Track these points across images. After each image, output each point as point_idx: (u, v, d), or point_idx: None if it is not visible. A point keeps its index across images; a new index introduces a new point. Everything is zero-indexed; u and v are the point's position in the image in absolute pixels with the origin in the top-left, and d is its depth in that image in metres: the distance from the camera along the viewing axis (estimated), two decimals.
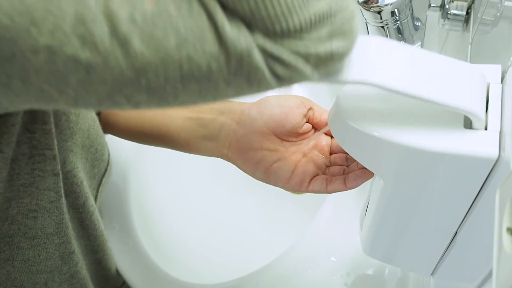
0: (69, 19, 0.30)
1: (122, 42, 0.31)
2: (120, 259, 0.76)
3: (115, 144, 0.70)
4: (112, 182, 0.81)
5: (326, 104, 0.56)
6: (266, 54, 0.32)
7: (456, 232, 0.44)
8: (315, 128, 0.57)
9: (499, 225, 0.28)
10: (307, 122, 0.56)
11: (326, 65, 0.34)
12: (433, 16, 0.67)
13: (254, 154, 0.55)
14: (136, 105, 0.34)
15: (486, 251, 0.41)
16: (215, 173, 0.92)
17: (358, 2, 0.62)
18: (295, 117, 0.55)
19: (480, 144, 0.36)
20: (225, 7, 0.31)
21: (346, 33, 0.34)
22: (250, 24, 0.32)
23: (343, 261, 0.66)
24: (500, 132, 0.37)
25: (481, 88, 0.39)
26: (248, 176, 0.57)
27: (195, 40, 0.31)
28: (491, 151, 0.36)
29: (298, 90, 0.94)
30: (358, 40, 0.37)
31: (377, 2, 0.61)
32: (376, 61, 0.38)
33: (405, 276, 0.65)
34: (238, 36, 0.31)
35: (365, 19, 0.64)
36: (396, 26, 0.64)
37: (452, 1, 0.61)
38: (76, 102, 0.33)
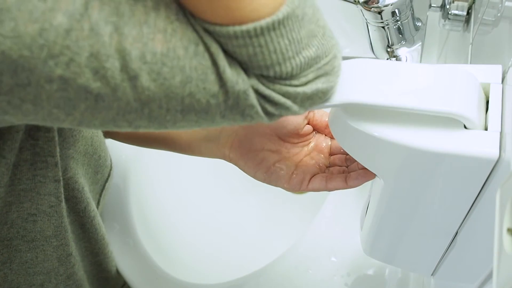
0: (85, 54, 0.31)
1: (132, 77, 0.33)
2: (121, 259, 0.76)
3: (115, 145, 0.70)
4: (112, 182, 0.81)
5: None
6: (259, 95, 0.35)
7: (457, 233, 0.44)
8: (316, 129, 0.57)
9: (499, 225, 0.28)
10: (308, 124, 0.56)
11: (312, 101, 0.37)
12: (434, 16, 0.68)
13: (256, 155, 0.55)
14: (136, 128, 0.36)
15: (487, 252, 0.41)
16: (216, 173, 0.92)
17: (359, 2, 0.62)
18: (296, 118, 0.55)
19: (480, 145, 0.36)
20: (226, 52, 0.34)
21: (329, 73, 0.37)
22: (247, 68, 0.35)
23: (343, 261, 0.66)
24: (501, 133, 0.37)
25: (470, 89, 0.39)
26: (249, 176, 0.57)
27: (198, 79, 0.34)
28: (492, 152, 0.36)
29: None
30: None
31: (378, 2, 0.61)
32: (356, 81, 0.39)
33: (406, 277, 0.65)
34: (237, 78, 0.34)
35: (366, 19, 0.64)
36: (396, 26, 0.64)
37: (453, 1, 0.61)
38: (81, 123, 0.35)
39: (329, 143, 0.57)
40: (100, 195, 0.68)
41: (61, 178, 0.55)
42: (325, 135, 0.57)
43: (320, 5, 0.37)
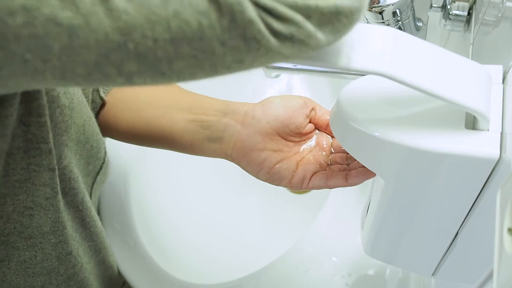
0: None
1: None
2: (121, 259, 0.76)
3: (116, 144, 0.70)
4: (112, 182, 0.81)
5: (328, 104, 0.56)
6: (259, 7, 0.30)
7: (457, 233, 0.44)
8: (318, 128, 0.57)
9: (500, 225, 0.28)
10: (310, 122, 0.56)
11: (334, 24, 0.32)
12: (435, 16, 0.67)
13: (258, 154, 0.55)
14: (129, 77, 0.32)
15: (487, 252, 0.41)
16: (216, 172, 0.92)
17: None
18: (298, 117, 0.55)
19: (481, 145, 0.36)
20: None
21: None
22: None
23: (344, 262, 0.66)
24: (501, 133, 0.37)
25: (488, 89, 0.39)
26: (249, 175, 0.57)
27: None
28: (492, 152, 0.36)
29: (299, 90, 0.94)
30: (372, 29, 0.36)
31: (379, 2, 0.61)
32: (389, 51, 0.37)
33: (406, 277, 0.65)
34: None
35: (367, 19, 0.64)
36: (397, 26, 0.64)
37: (454, 2, 0.61)
38: (64, 74, 0.32)
39: (330, 141, 0.57)
40: (92, 188, 0.67)
41: (56, 167, 0.53)
42: (327, 133, 0.57)
43: None
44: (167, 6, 0.29)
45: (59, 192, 0.55)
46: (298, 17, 0.31)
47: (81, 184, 0.59)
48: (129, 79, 0.32)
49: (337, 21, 0.32)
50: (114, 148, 0.81)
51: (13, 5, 0.28)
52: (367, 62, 0.36)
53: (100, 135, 0.63)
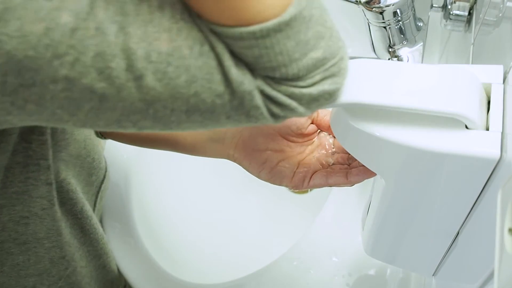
0: (90, 53, 0.31)
1: (137, 77, 0.32)
2: (122, 259, 0.76)
3: (116, 143, 0.70)
4: (113, 181, 0.81)
5: None
6: (265, 96, 0.35)
7: (458, 233, 0.44)
8: (320, 128, 0.57)
9: (501, 226, 0.28)
10: (312, 123, 0.56)
11: (318, 103, 0.37)
12: (435, 16, 0.68)
13: (260, 155, 0.55)
14: (141, 129, 0.36)
15: (488, 252, 0.41)
16: (217, 172, 0.92)
17: (361, 2, 0.62)
18: (300, 118, 0.55)
19: (481, 145, 0.36)
20: (232, 53, 0.34)
21: (336, 75, 0.37)
22: (253, 69, 0.34)
23: (344, 261, 0.66)
24: (502, 133, 0.37)
25: (472, 89, 0.39)
26: (250, 175, 0.57)
27: (203, 79, 0.34)
28: (493, 152, 0.36)
29: None
30: None
31: (379, 2, 0.61)
32: (360, 81, 0.39)
33: (407, 277, 0.65)
34: (242, 79, 0.34)
35: (367, 19, 0.64)
36: (398, 26, 0.64)
37: (454, 2, 0.61)
38: (85, 124, 0.35)
39: (332, 142, 0.57)
40: (97, 197, 0.68)
41: (54, 181, 0.55)
42: (329, 133, 0.57)
43: None
44: (190, 87, 0.34)
45: (56, 203, 0.56)
46: (293, 104, 0.36)
47: (80, 194, 0.61)
48: (140, 130, 0.36)
49: (322, 99, 0.37)
50: (115, 148, 0.81)
51: (57, 76, 0.31)
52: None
53: (99, 147, 0.64)
